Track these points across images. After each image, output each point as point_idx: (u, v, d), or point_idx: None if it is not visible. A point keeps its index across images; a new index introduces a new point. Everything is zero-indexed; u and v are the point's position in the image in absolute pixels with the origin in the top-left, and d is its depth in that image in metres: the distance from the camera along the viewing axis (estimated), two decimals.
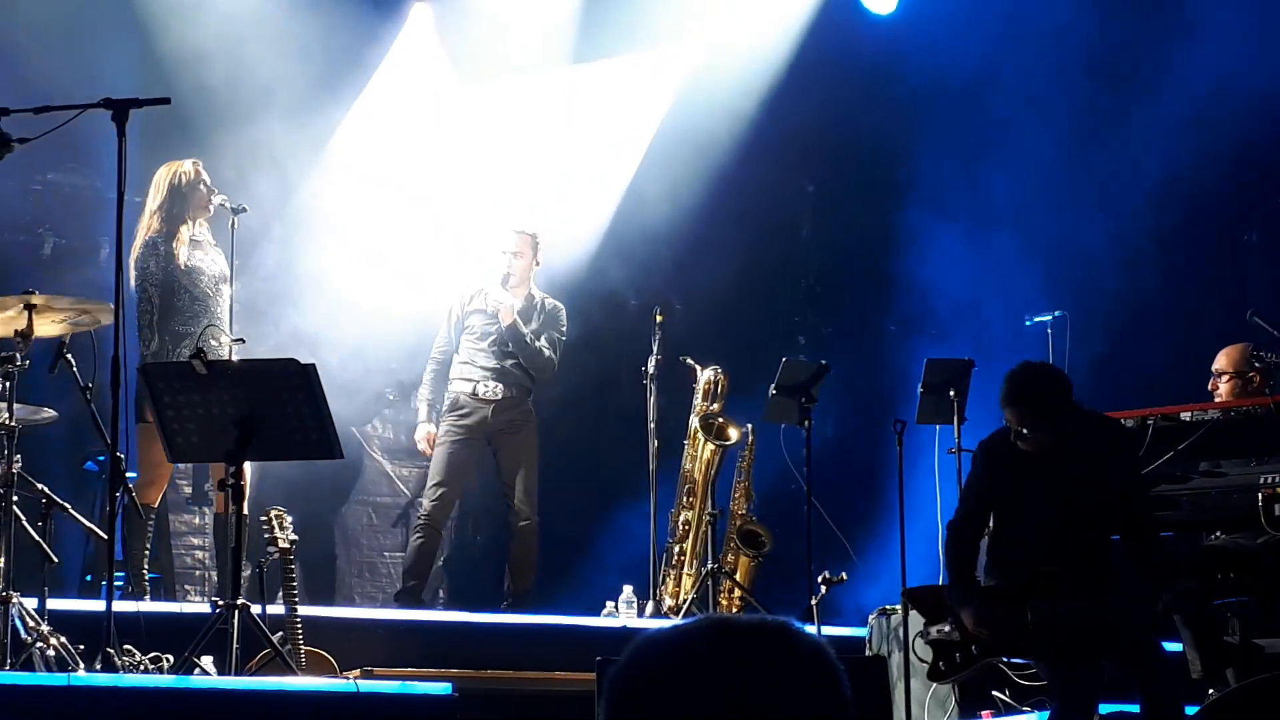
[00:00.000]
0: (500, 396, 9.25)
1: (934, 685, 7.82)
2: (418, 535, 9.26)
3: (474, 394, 9.25)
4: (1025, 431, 6.24)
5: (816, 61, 11.20)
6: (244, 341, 8.46)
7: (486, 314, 9.33)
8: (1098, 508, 6.30)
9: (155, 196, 8.45)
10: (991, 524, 6.54)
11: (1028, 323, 9.50)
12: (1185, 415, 7.53)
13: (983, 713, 7.60)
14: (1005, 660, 6.56)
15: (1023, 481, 6.34)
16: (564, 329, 9.51)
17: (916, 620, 7.63)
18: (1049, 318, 9.31)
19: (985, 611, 6.28)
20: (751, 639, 2.01)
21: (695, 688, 1.97)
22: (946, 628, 6.50)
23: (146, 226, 8.40)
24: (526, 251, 9.40)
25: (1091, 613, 6.21)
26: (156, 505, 8.41)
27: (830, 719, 1.99)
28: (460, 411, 9.27)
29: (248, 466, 8.11)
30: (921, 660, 6.91)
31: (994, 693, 7.63)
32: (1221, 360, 8.21)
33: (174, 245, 8.37)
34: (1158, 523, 6.70)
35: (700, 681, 1.97)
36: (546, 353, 9.33)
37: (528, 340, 9.27)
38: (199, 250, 8.46)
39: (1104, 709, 6.74)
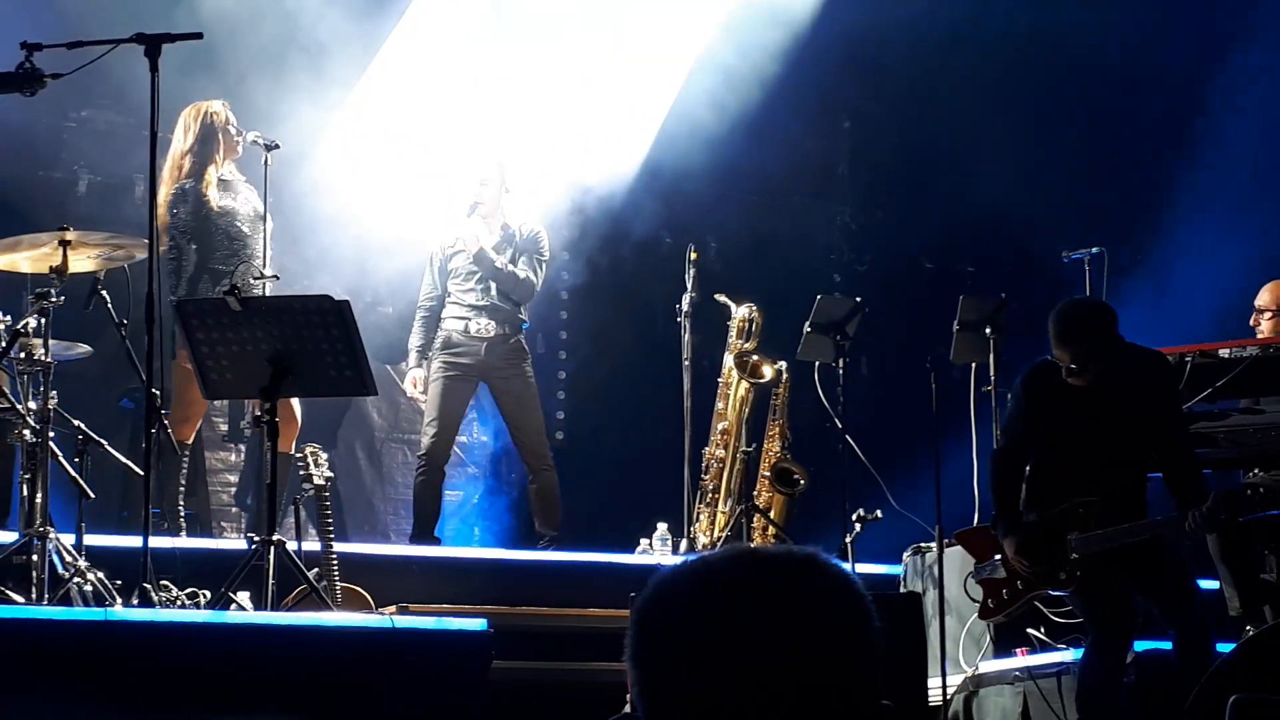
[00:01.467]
0: (492, 334, 9.21)
1: (969, 622, 7.82)
2: (420, 474, 9.24)
3: (466, 331, 9.21)
4: (1076, 368, 6.21)
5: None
6: (279, 278, 8.47)
7: (465, 252, 9.28)
8: (1138, 440, 6.28)
9: (184, 137, 8.43)
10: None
11: (1065, 259, 9.42)
12: (1224, 352, 7.47)
13: (1018, 649, 7.60)
14: (1047, 594, 6.54)
15: (1063, 412, 6.31)
16: (544, 250, 9.39)
17: (952, 558, 7.63)
18: (1087, 253, 9.23)
19: (1026, 542, 6.28)
20: (778, 568, 1.99)
21: (721, 615, 1.96)
22: (995, 566, 6.53)
23: (175, 169, 8.38)
24: (493, 179, 9.31)
25: (1130, 538, 6.19)
26: (190, 442, 8.43)
27: (858, 648, 1.97)
28: (453, 350, 9.21)
29: (295, 402, 8.16)
30: (973, 599, 6.92)
31: (1029, 630, 7.62)
32: (1264, 296, 8.15)
33: (203, 188, 8.36)
34: (1198, 457, 6.67)
35: (726, 609, 1.96)
36: (522, 274, 9.25)
37: (499, 266, 9.20)
38: (230, 190, 8.46)
39: (1139, 646, 6.74)
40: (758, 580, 1.98)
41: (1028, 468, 6.50)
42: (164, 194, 8.26)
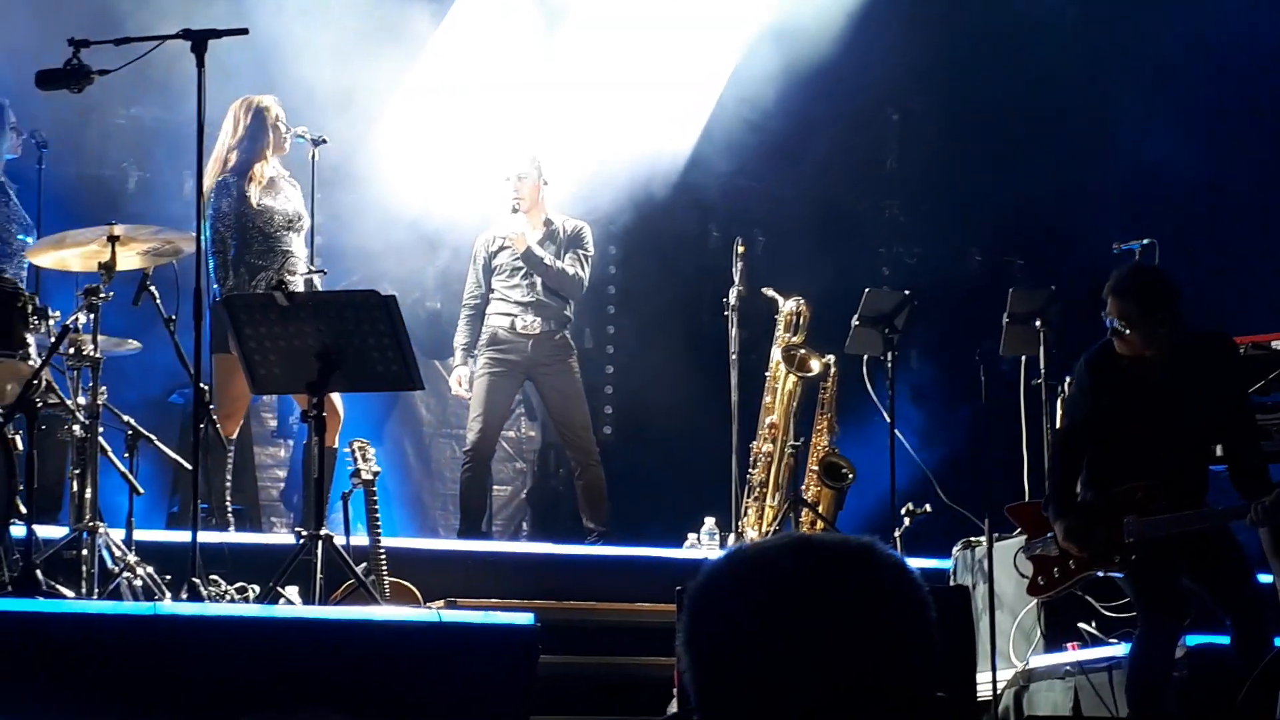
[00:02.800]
0: (538, 330, 9.20)
1: (1019, 617, 7.77)
2: (466, 469, 9.25)
3: (512, 328, 9.20)
4: (1123, 328, 6.12)
5: None
6: (325, 273, 8.48)
7: (510, 249, 9.27)
8: (1200, 425, 6.19)
9: (234, 131, 8.44)
10: None
11: (1115, 250, 9.34)
12: (1276, 344, 7.40)
13: (1069, 644, 7.54)
14: (1099, 576, 6.43)
15: (1124, 394, 6.23)
16: (589, 244, 9.38)
17: (1002, 552, 7.59)
18: (1137, 245, 9.16)
19: (1075, 526, 6.21)
20: (834, 556, 1.97)
21: (775, 603, 1.93)
22: (1046, 543, 6.46)
23: (219, 163, 8.38)
24: (530, 173, 9.30)
25: (1188, 526, 6.11)
26: (235, 436, 8.45)
27: (913, 638, 1.95)
28: (499, 346, 9.21)
29: (337, 396, 8.18)
30: (1023, 575, 6.86)
31: (1080, 624, 7.56)
32: None
33: (246, 183, 8.36)
34: (1262, 446, 6.55)
35: (780, 596, 1.93)
36: (570, 271, 9.25)
37: (547, 263, 9.19)
38: (273, 188, 8.45)
39: (1191, 640, 6.68)
40: (813, 568, 1.96)
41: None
42: (207, 184, 8.27)
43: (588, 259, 9.37)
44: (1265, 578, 6.74)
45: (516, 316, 9.21)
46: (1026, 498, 8.54)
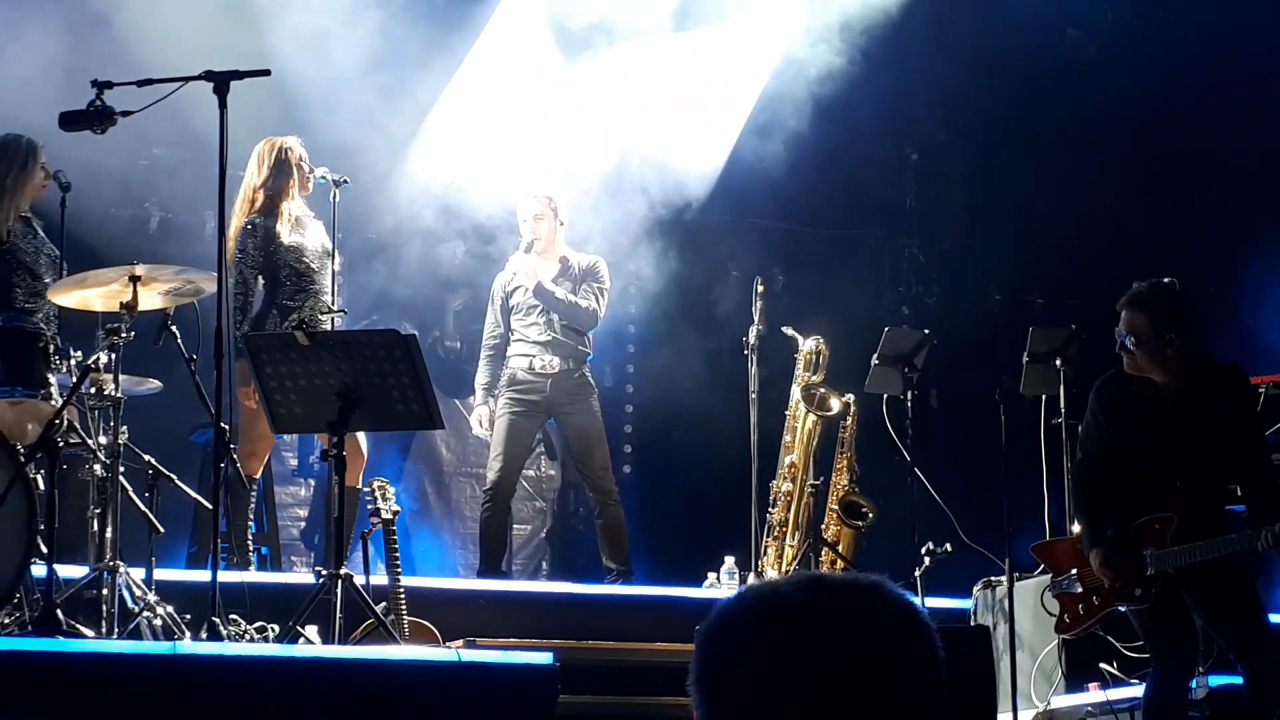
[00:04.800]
0: (557, 369, 9.21)
1: (1040, 657, 7.74)
2: (486, 508, 9.25)
3: (530, 368, 9.21)
4: (1129, 344, 6.08)
5: (921, 28, 11.06)
6: (346, 313, 8.50)
7: (526, 287, 9.30)
8: (1211, 455, 6.14)
9: (258, 171, 8.48)
10: None
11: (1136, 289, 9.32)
12: None
13: (1090, 684, 7.51)
14: (1121, 611, 6.38)
15: (1133, 422, 6.19)
16: (604, 278, 9.39)
17: (1022, 592, 7.56)
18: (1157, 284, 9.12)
19: (1111, 556, 6.16)
20: (844, 595, 1.98)
21: (786, 641, 1.94)
22: (1071, 581, 6.43)
23: (247, 203, 8.43)
24: (546, 214, 9.33)
25: (1205, 556, 6.06)
26: (258, 476, 8.47)
27: (922, 678, 1.96)
28: (519, 386, 9.22)
29: (361, 436, 8.19)
30: (1050, 614, 6.83)
31: (1101, 665, 7.53)
32: None
33: (275, 223, 8.40)
34: (1277, 476, 6.49)
35: (792, 635, 1.95)
36: (584, 303, 9.26)
37: (559, 297, 9.21)
38: (300, 226, 8.50)
39: (1214, 680, 6.65)
40: (824, 607, 1.97)
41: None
42: (234, 227, 8.31)
43: (603, 291, 9.39)
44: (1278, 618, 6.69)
45: (535, 356, 9.22)
46: (1047, 536, 8.52)
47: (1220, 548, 6.09)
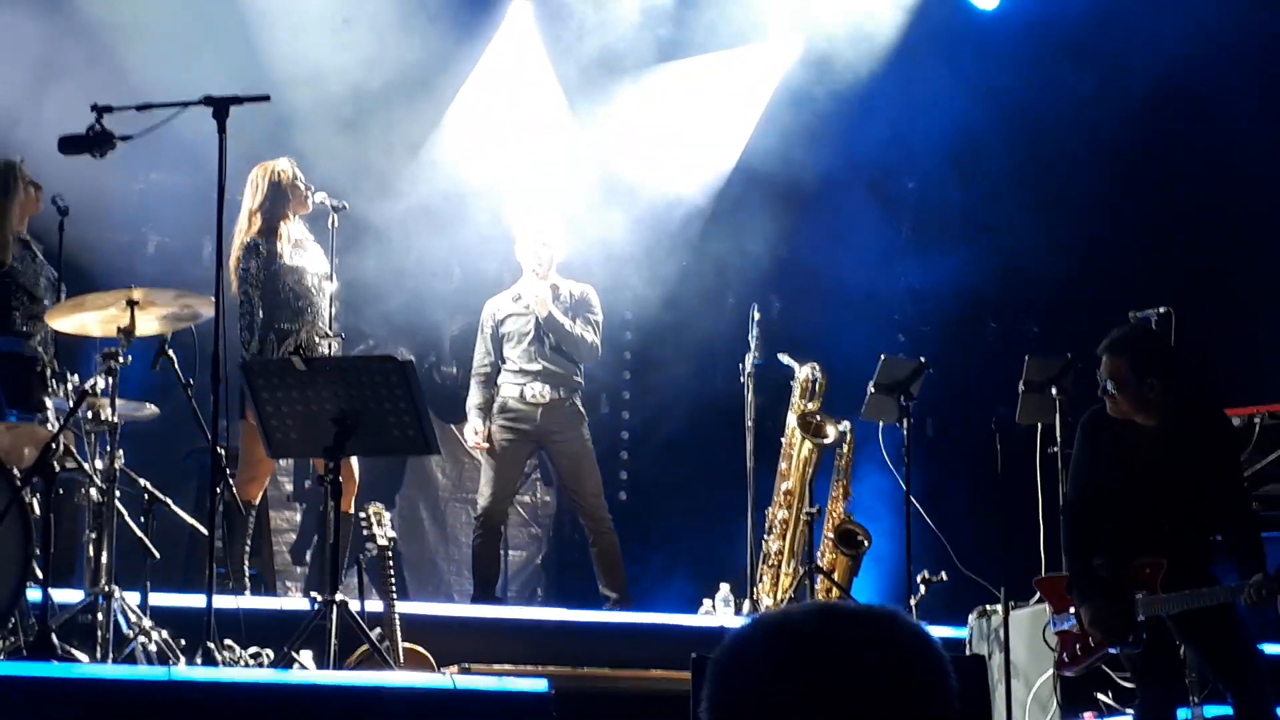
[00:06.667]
0: (548, 399, 9.21)
1: (1035, 686, 7.74)
2: (477, 536, 9.25)
3: (521, 397, 9.21)
4: (1111, 389, 6.09)
5: (917, 56, 11.10)
6: (343, 338, 8.50)
7: (520, 315, 9.30)
8: (1194, 494, 6.14)
9: (254, 196, 8.49)
10: None
11: (1132, 319, 9.34)
12: None
13: (1085, 714, 7.51)
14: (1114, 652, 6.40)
15: (1118, 459, 6.19)
16: (596, 309, 9.41)
17: (1018, 621, 7.56)
18: (1154, 313, 9.15)
19: (1099, 614, 6.16)
20: (858, 624, 1.99)
21: (800, 669, 1.94)
22: (1069, 620, 6.42)
23: (246, 227, 8.44)
24: (555, 240, 9.36)
25: (1194, 605, 6.07)
26: (257, 502, 8.46)
27: (934, 708, 1.96)
28: (509, 414, 9.22)
29: (354, 461, 8.19)
30: (1050, 648, 6.84)
31: (1096, 694, 7.53)
32: None
33: (275, 243, 8.41)
34: (1259, 516, 6.52)
35: (805, 661, 1.95)
36: (589, 338, 9.28)
37: (568, 328, 9.22)
38: (300, 248, 8.51)
39: (1210, 711, 6.65)
40: (838, 635, 1.97)
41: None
42: (236, 245, 8.33)
43: (598, 325, 9.40)
44: (1271, 648, 6.69)
45: (525, 385, 9.22)
46: (1043, 565, 8.52)
47: (1208, 598, 6.09)
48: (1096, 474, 6.26)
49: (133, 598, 6.74)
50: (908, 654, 1.97)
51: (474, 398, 9.37)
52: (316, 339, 8.31)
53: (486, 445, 9.25)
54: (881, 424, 9.07)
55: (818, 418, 9.40)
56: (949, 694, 1.98)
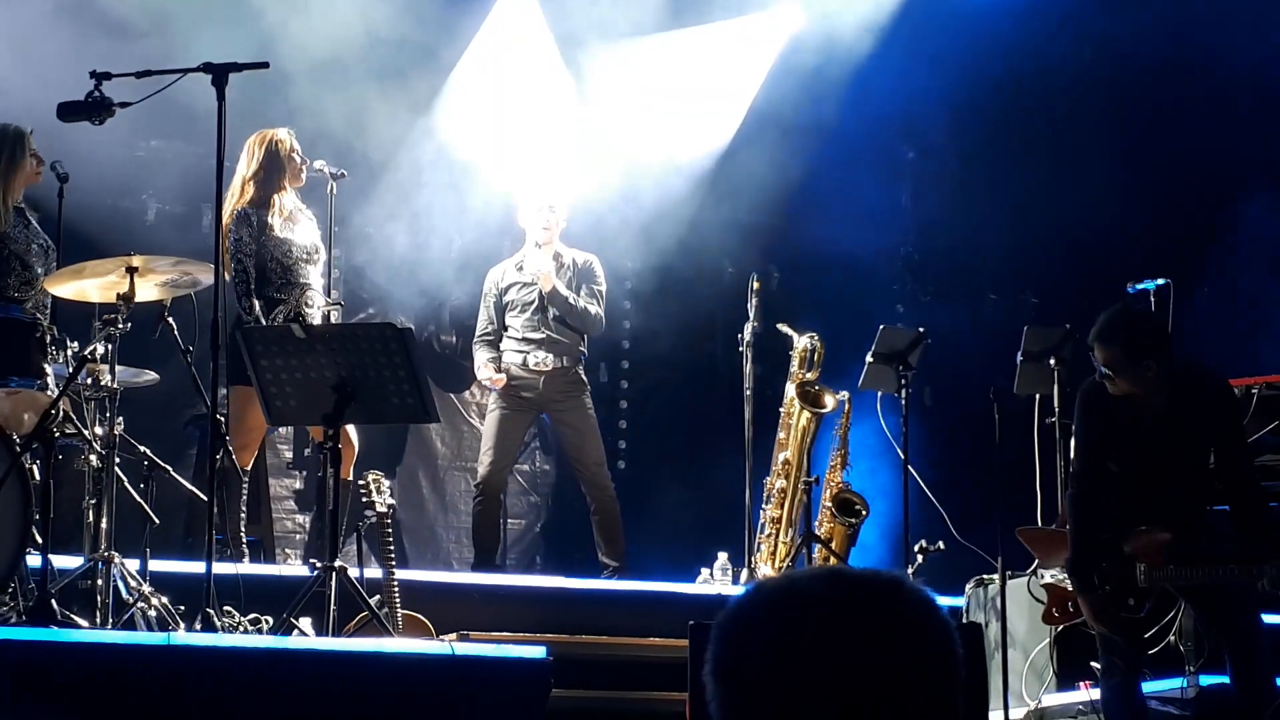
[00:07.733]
0: (551, 367, 9.21)
1: (1031, 656, 7.76)
2: (477, 504, 9.27)
3: (524, 364, 9.22)
4: (1109, 374, 6.08)
5: (915, 31, 11.07)
6: (342, 305, 8.49)
7: (524, 284, 9.29)
8: (1194, 463, 6.13)
9: (249, 163, 8.45)
10: None
11: (1130, 290, 9.35)
12: None
13: (1081, 683, 7.52)
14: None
15: (1118, 427, 6.18)
16: (600, 279, 9.40)
17: (1015, 590, 7.57)
18: (1152, 284, 9.16)
19: (1101, 609, 6.16)
20: (865, 588, 1.99)
21: (806, 633, 1.95)
22: (1059, 574, 6.42)
23: (238, 194, 8.39)
24: (562, 209, 9.36)
25: (1199, 581, 6.08)
26: (250, 467, 8.46)
27: (941, 672, 1.97)
28: (512, 382, 9.23)
29: (352, 429, 8.19)
30: (1037, 600, 6.84)
31: (1093, 663, 7.54)
32: None
33: (267, 214, 8.37)
34: (1263, 486, 6.50)
35: (812, 627, 1.95)
36: (593, 310, 9.28)
37: (571, 302, 9.21)
38: (292, 220, 8.46)
39: (1204, 680, 6.67)
40: (843, 599, 1.98)
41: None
42: (227, 212, 8.28)
43: (602, 294, 9.39)
44: (1271, 618, 6.69)
45: (529, 353, 9.22)
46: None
47: (1215, 576, 6.07)
48: (1098, 447, 6.25)
49: (132, 564, 6.75)
50: (914, 618, 1.98)
51: (480, 353, 9.35)
52: (305, 308, 8.27)
53: (501, 377, 9.20)
54: (880, 393, 9.07)
55: (816, 387, 9.40)
56: (955, 658, 1.99)
